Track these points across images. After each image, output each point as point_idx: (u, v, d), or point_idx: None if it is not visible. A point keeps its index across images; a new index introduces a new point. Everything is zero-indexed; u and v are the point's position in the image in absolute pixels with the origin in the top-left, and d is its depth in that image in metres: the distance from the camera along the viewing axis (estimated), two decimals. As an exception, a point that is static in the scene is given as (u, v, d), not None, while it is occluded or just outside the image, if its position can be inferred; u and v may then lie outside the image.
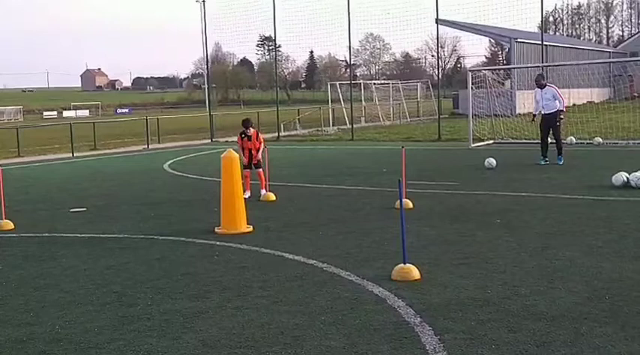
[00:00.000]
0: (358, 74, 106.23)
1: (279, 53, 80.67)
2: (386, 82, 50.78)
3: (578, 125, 23.38)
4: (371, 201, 10.81)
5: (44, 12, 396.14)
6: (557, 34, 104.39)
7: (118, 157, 23.28)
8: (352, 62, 67.04)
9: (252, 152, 11.79)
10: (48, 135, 35.52)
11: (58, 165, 21.01)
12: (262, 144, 12.02)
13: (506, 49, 58.78)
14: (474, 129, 21.74)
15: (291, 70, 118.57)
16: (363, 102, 41.26)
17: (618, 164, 13.49)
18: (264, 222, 9.21)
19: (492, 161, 14.64)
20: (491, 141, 21.75)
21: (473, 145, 20.66)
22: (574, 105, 31.55)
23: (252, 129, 11.88)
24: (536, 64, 29.19)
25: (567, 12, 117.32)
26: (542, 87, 15.33)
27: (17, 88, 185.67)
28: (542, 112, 15.29)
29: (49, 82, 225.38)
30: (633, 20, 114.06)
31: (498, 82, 27.29)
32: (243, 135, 11.90)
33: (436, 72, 71.46)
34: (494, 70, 31.50)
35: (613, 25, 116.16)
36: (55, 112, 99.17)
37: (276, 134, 29.10)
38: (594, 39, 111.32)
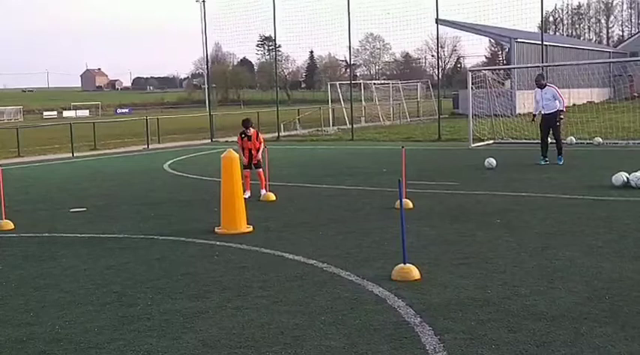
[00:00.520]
0: (358, 74, 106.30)
1: (279, 53, 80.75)
2: (386, 82, 50.79)
3: (578, 125, 23.39)
4: (371, 201, 10.81)
5: (44, 12, 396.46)
6: (557, 34, 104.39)
7: (118, 157, 23.28)
8: (352, 62, 67.08)
9: (252, 152, 11.79)
10: (48, 135, 35.52)
11: (58, 165, 21.01)
12: (262, 144, 12.02)
13: (506, 49, 58.79)
14: (474, 129, 21.74)
15: (291, 70, 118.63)
16: (363, 102, 41.27)
17: (618, 164, 13.49)
18: (264, 222, 9.21)
19: (492, 161, 14.64)
20: (491, 141, 21.75)
21: (473, 145, 20.66)
22: (574, 105, 31.56)
23: (252, 129, 11.88)
24: (536, 64, 29.19)
25: (567, 12, 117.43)
26: (542, 87, 15.33)
27: (17, 87, 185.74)
28: (542, 112, 15.29)
29: (49, 82, 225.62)
30: (633, 20, 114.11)
31: (498, 82, 27.29)
32: (243, 135, 11.90)
33: (436, 72, 71.51)
34: (494, 70, 31.50)
35: (613, 25, 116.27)
36: (55, 112, 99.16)
37: (276, 134, 29.10)
38: (594, 39, 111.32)
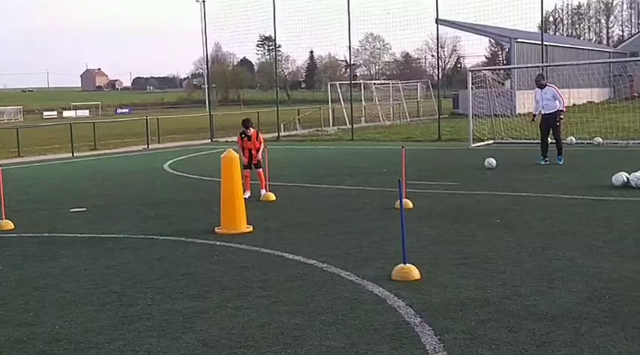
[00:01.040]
0: (358, 74, 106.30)
1: (279, 53, 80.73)
2: (386, 82, 50.78)
3: (578, 125, 23.39)
4: (371, 201, 10.81)
5: (44, 12, 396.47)
6: (557, 34, 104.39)
7: (118, 157, 23.28)
8: (352, 62, 67.09)
9: (252, 152, 11.79)
10: (48, 135, 35.52)
11: (58, 165, 21.01)
12: (262, 144, 12.02)
13: (506, 49, 58.79)
14: (474, 129, 21.74)
15: (291, 70, 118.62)
16: (363, 102, 41.26)
17: (618, 164, 13.49)
18: (264, 222, 9.21)
19: (492, 161, 14.64)
20: (491, 141, 21.75)
21: (473, 145, 20.66)
22: (574, 105, 31.55)
23: (252, 129, 11.88)
24: (536, 64, 29.19)
25: (567, 12, 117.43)
26: (542, 87, 15.33)
27: (17, 87, 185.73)
28: (542, 112, 15.29)
29: (49, 82, 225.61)
30: (633, 20, 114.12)
31: (498, 81, 27.29)
32: (243, 135, 11.90)
33: (436, 72, 71.50)
34: (494, 70, 31.50)
35: (613, 25, 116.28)
36: (55, 112, 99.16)
37: (276, 134, 29.10)
38: (594, 39, 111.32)
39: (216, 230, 8.68)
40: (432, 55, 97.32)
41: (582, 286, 5.63)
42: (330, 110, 36.45)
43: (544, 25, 28.13)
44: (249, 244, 7.86)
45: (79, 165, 20.50)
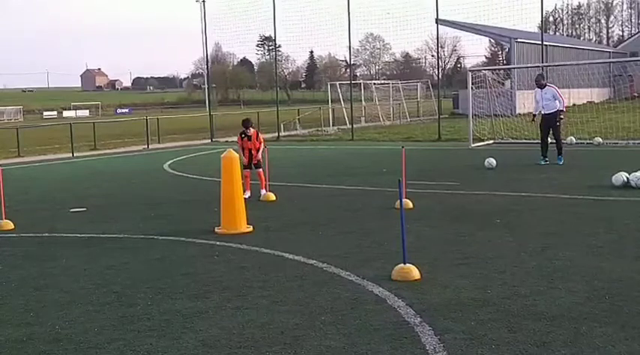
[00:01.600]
0: (358, 74, 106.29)
1: (279, 53, 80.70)
2: (386, 82, 50.77)
3: (578, 125, 23.39)
4: (371, 201, 10.81)
5: (44, 12, 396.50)
6: (557, 34, 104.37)
7: (118, 157, 23.28)
8: (352, 62, 67.09)
9: (252, 152, 11.79)
10: (48, 135, 35.51)
11: (58, 165, 21.01)
12: (262, 144, 12.02)
13: (506, 49, 58.78)
14: (474, 129, 21.74)
15: (291, 70, 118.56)
16: (363, 102, 41.26)
17: (618, 164, 13.48)
18: (264, 222, 9.21)
19: (492, 161, 14.64)
20: (491, 141, 21.74)
21: (473, 145, 20.66)
22: (574, 105, 31.55)
23: (252, 129, 11.88)
24: (536, 64, 29.18)
25: (567, 12, 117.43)
26: (542, 87, 15.33)
27: (17, 87, 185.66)
28: (542, 112, 15.29)
29: (49, 82, 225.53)
30: (633, 20, 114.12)
31: (498, 81, 27.29)
32: (243, 135, 11.90)
33: (436, 72, 71.49)
34: (494, 70, 31.50)
35: (613, 25, 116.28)
36: (55, 112, 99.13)
37: (276, 134, 29.09)
38: (594, 39, 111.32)
39: (216, 230, 8.68)
40: (432, 55, 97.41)
41: (582, 286, 5.63)
42: (330, 110, 36.44)
43: (544, 25, 28.13)
44: (249, 244, 7.86)
45: (79, 165, 20.50)
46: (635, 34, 70.26)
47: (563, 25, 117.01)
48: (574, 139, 20.10)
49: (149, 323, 5.11)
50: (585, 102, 37.06)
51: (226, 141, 27.12)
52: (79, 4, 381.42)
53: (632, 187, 10.80)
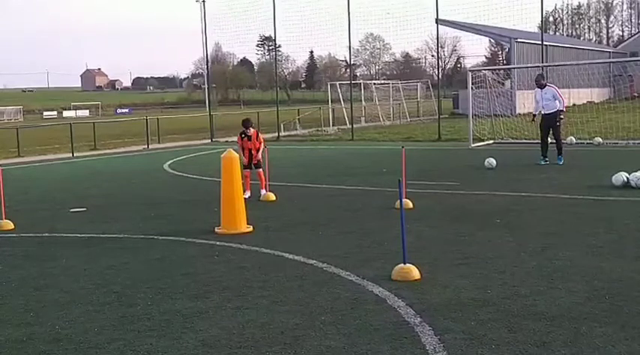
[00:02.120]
0: (358, 74, 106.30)
1: (279, 53, 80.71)
2: (386, 82, 50.77)
3: (578, 125, 23.39)
4: (371, 201, 10.81)
5: (44, 12, 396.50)
6: (557, 34, 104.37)
7: (118, 157, 23.28)
8: (352, 62, 67.07)
9: (252, 152, 11.79)
10: (48, 135, 35.51)
11: (58, 165, 21.01)
12: (262, 144, 12.01)
13: (506, 49, 58.78)
14: (474, 129, 21.74)
15: (291, 70, 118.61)
16: (363, 102, 41.25)
17: (618, 164, 13.48)
18: (264, 222, 9.21)
19: (492, 161, 14.64)
20: (491, 141, 21.75)
21: (473, 145, 20.66)
22: (574, 105, 31.55)
23: (252, 129, 11.88)
24: (536, 64, 29.18)
25: (567, 12, 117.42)
26: (542, 87, 15.33)
27: (17, 87, 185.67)
28: (542, 112, 15.29)
29: (49, 82, 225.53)
30: (633, 20, 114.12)
31: (498, 81, 27.30)
32: (243, 135, 11.90)
33: (436, 72, 71.50)
34: (494, 70, 31.51)
35: (613, 25, 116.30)
36: (55, 112, 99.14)
37: (276, 134, 29.09)
38: (594, 39, 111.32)
39: (216, 230, 8.68)
40: (432, 55, 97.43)
41: (582, 286, 5.63)
42: (330, 110, 36.44)
43: (544, 25, 28.13)
44: (249, 244, 7.86)
45: (79, 165, 20.50)
46: (635, 34, 70.27)
47: (563, 25, 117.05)
48: (574, 139, 20.10)
49: (149, 323, 5.11)
50: (585, 102, 37.06)
51: (226, 141, 27.12)
52: (79, 4, 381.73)
53: (632, 187, 10.80)
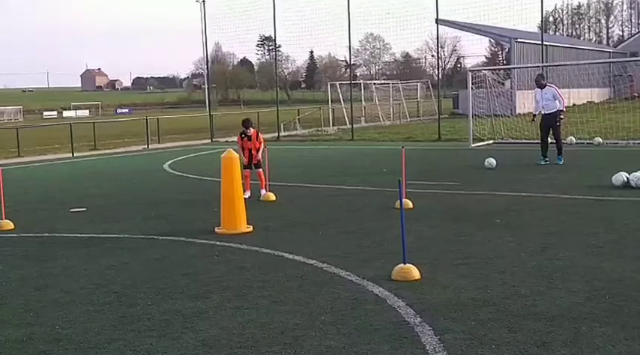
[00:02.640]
0: (358, 74, 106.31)
1: (279, 53, 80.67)
2: (386, 82, 50.76)
3: (578, 125, 23.38)
4: (371, 201, 10.81)
5: (44, 12, 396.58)
6: (557, 34, 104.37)
7: (118, 157, 23.28)
8: (352, 62, 67.04)
9: (252, 152, 11.79)
10: (48, 135, 35.50)
11: (58, 165, 21.01)
12: (262, 144, 12.01)
13: (506, 49, 58.79)
14: (474, 129, 21.74)
15: (291, 70, 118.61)
16: (363, 102, 41.25)
17: (618, 164, 13.48)
18: (264, 222, 9.21)
19: (492, 161, 14.64)
20: (491, 141, 21.74)
21: (473, 145, 20.66)
22: (574, 105, 31.55)
23: (252, 129, 11.88)
24: (536, 64, 29.18)
25: (567, 12, 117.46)
26: (542, 87, 15.33)
27: (17, 88, 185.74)
28: (542, 112, 15.29)
29: (49, 82, 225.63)
30: (633, 20, 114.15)
31: (498, 82, 27.29)
32: (243, 135, 11.90)
33: (436, 72, 71.49)
34: (494, 70, 31.50)
35: (613, 25, 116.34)
36: (55, 112, 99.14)
37: (276, 134, 29.09)
38: (594, 39, 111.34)
39: (216, 230, 8.68)
40: (432, 55, 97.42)
41: (582, 286, 5.63)
42: (330, 110, 36.44)
43: (544, 25, 28.13)
44: (249, 244, 7.86)
45: (79, 165, 20.50)
46: (635, 34, 70.25)
47: (563, 25, 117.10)
48: (574, 139, 20.10)
49: (149, 323, 5.11)
50: (585, 102, 37.06)
51: (226, 141, 27.12)
52: (79, 4, 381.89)
53: (632, 187, 10.80)
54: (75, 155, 24.10)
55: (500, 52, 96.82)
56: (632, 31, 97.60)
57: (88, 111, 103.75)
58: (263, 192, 11.59)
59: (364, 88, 42.94)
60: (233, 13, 32.28)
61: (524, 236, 7.71)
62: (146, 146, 27.35)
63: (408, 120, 40.19)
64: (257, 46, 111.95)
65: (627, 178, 10.99)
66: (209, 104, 48.38)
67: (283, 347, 4.53)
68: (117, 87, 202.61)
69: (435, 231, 8.23)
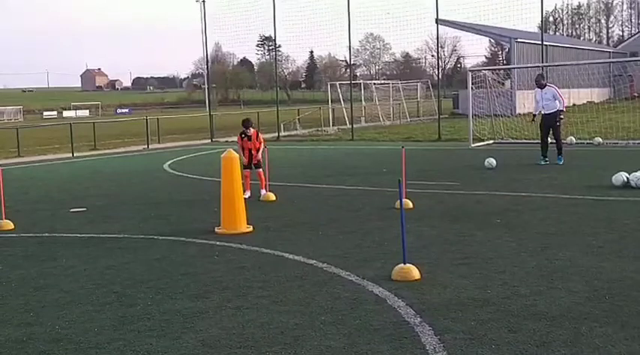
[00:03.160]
0: (358, 74, 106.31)
1: (279, 53, 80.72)
2: (386, 82, 50.76)
3: (578, 125, 23.39)
4: (371, 201, 10.81)
5: (44, 12, 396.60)
6: (557, 34, 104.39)
7: (118, 157, 23.28)
8: (352, 62, 67.03)
9: (252, 152, 11.79)
10: (48, 135, 35.51)
11: (58, 165, 21.01)
12: (262, 144, 12.01)
13: (506, 49, 58.80)
14: (474, 129, 21.74)
15: (291, 70, 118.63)
16: (363, 102, 41.25)
17: (618, 164, 13.48)
18: (264, 222, 9.21)
19: (492, 161, 14.64)
20: (491, 141, 21.74)
21: (473, 145, 20.66)
22: (574, 105, 31.56)
23: (252, 129, 11.88)
24: (536, 64, 29.18)
25: (567, 12, 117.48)
26: (542, 87, 15.33)
27: (17, 88, 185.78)
28: (542, 112, 15.29)
29: (49, 82, 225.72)
30: (633, 20, 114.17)
31: (498, 82, 27.28)
32: (243, 135, 11.90)
33: (436, 72, 71.49)
34: (494, 70, 31.49)
35: (613, 25, 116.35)
36: (55, 112, 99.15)
37: (276, 134, 29.09)
38: (594, 39, 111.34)
39: (216, 230, 8.68)
40: (432, 55, 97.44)
41: (582, 286, 5.63)
42: (330, 110, 36.44)
43: (544, 25, 28.12)
44: (249, 244, 7.86)
45: (79, 165, 20.50)
46: (635, 34, 70.22)
47: (563, 25, 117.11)
48: (574, 139, 20.10)
49: (149, 323, 5.11)
50: (585, 102, 37.07)
51: (226, 141, 27.12)
52: (79, 4, 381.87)
53: (632, 187, 10.80)
54: (75, 155, 24.10)
55: (500, 52, 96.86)
56: (632, 31, 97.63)
57: (88, 111, 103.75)
58: (263, 192, 11.60)
59: (364, 88, 42.94)
60: (233, 13, 32.27)
61: (524, 236, 7.71)
62: (146, 146, 27.35)
63: (408, 120, 40.19)
64: (257, 46, 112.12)
65: (627, 178, 10.99)
66: (209, 104, 48.38)
67: (283, 347, 4.53)
68: (117, 87, 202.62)
69: (435, 231, 8.23)
